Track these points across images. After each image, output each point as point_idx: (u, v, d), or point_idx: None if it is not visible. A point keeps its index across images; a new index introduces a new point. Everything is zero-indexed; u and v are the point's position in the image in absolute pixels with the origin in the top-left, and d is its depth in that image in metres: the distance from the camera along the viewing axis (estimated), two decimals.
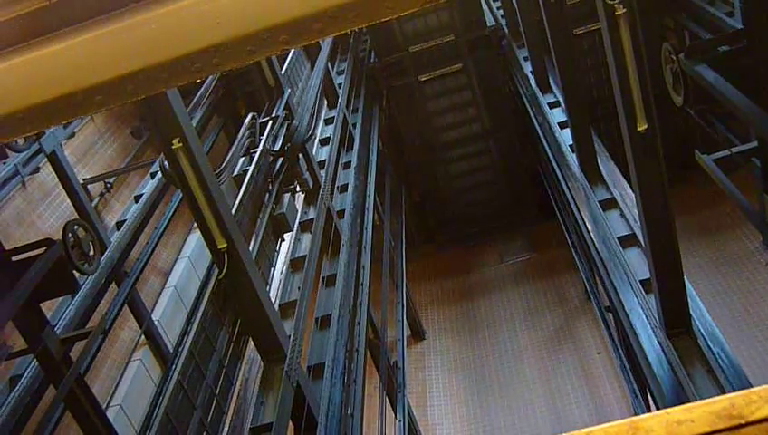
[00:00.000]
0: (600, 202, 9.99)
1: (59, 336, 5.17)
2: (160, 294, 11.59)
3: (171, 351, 9.89)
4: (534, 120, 13.72)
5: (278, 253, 9.64)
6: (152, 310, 10.88)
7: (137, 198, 11.11)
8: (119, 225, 10.76)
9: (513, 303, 17.06)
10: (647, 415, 1.21)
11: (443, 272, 18.84)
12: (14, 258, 5.11)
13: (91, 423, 5.19)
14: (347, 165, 13.36)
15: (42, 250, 5.04)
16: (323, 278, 10.45)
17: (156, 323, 10.57)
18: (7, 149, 9.70)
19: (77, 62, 2.20)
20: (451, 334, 16.87)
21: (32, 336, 5.01)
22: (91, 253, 5.63)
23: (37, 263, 4.83)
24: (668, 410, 1.17)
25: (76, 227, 5.83)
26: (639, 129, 6.64)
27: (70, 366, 5.28)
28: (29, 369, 6.57)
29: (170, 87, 2.38)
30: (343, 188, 12.64)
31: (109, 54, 2.18)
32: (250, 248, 8.16)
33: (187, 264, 11.98)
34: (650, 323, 7.79)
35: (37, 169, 10.88)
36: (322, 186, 11.19)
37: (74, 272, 5.53)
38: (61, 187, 10.75)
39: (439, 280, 18.64)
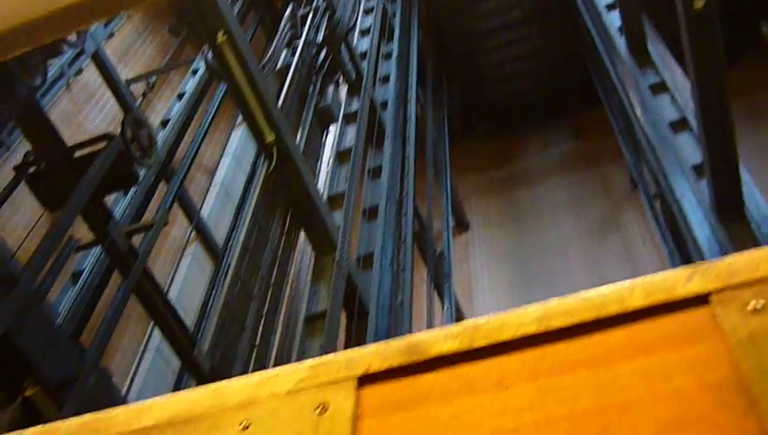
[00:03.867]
0: (649, 86, 9.72)
1: (123, 229, 5.33)
2: (207, 191, 11.80)
3: (221, 247, 10.16)
4: (580, 3, 13.24)
5: (324, 146, 9.66)
6: (200, 208, 11.10)
7: (180, 96, 11.15)
8: (163, 124, 10.86)
9: (558, 192, 16.97)
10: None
11: (486, 162, 18.74)
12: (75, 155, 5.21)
13: (158, 311, 5.41)
14: (388, 55, 13.14)
15: (102, 145, 5.13)
16: (369, 170, 10.47)
17: (204, 219, 10.80)
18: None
19: None
20: (495, 225, 16.94)
21: (97, 230, 5.16)
22: (148, 146, 5.72)
23: (100, 157, 4.92)
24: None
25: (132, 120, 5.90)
26: (696, 7, 6.38)
27: (133, 257, 5.45)
28: (93, 262, 6.81)
29: None
30: (385, 79, 12.47)
31: None
32: (297, 141, 8.18)
33: (231, 160, 12.11)
34: (702, 209, 7.71)
35: (80, 71, 10.92)
36: (365, 77, 11.05)
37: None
38: (105, 87, 10.81)
39: (483, 171, 18.56)
